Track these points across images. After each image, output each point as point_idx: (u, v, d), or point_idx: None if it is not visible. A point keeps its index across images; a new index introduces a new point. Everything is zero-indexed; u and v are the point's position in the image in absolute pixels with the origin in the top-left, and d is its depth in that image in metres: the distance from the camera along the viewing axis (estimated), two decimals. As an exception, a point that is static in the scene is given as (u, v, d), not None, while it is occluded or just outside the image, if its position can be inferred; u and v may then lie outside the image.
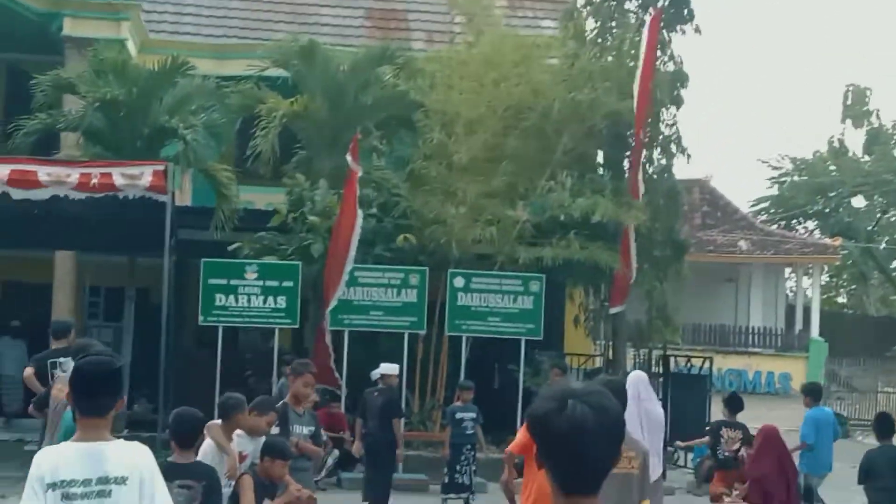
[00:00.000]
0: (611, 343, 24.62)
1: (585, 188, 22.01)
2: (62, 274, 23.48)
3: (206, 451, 9.47)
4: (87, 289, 25.33)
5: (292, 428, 11.67)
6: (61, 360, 14.41)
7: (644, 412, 12.78)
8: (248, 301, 20.75)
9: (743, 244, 46.75)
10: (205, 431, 9.30)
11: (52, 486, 5.70)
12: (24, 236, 21.32)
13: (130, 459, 5.87)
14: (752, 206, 59.91)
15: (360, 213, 20.26)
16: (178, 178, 21.85)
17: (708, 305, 45.86)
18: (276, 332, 21.07)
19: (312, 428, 12.06)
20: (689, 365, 25.85)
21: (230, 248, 21.21)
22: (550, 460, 3.63)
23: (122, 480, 5.81)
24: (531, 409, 3.68)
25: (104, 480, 5.78)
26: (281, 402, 11.75)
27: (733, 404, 17.30)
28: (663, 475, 14.43)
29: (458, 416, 17.34)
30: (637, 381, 13.13)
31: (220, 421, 9.95)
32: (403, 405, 18.92)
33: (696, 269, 43.65)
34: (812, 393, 17.87)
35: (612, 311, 23.07)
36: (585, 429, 3.56)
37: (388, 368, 18.65)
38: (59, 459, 5.78)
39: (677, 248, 24.48)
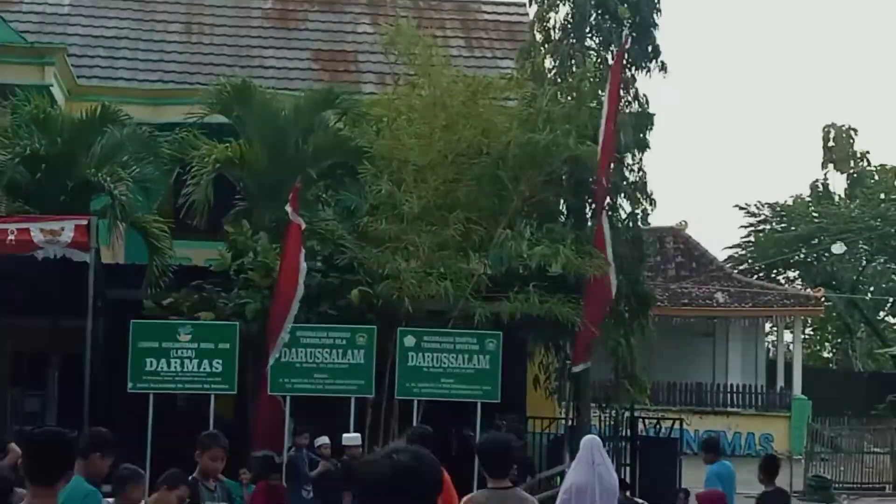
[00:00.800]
0: (575, 405, 24.30)
1: (545, 238, 21.81)
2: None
3: None
4: (11, 355, 24.90)
5: None
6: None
7: (597, 477, 12.93)
8: (182, 365, 20.37)
9: (720, 296, 46.64)
10: None
11: None
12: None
13: None
14: (729, 251, 59.94)
15: (303, 267, 19.98)
16: (106, 235, 21.59)
17: (684, 362, 45.74)
18: (212, 398, 20.65)
19: None
20: (657, 427, 25.61)
21: (164, 301, 20.82)
22: None
23: None
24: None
25: None
26: (191, 477, 11.42)
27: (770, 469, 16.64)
28: None
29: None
30: (590, 445, 13.30)
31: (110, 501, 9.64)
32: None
33: (671, 323, 43.84)
34: (711, 448, 18.18)
35: (575, 369, 22.79)
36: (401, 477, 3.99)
37: (350, 439, 18.41)
38: None
39: (642, 300, 24.28)
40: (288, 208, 19.61)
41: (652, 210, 24.87)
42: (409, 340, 21.12)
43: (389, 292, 20.76)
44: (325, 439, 19.02)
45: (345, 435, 18.60)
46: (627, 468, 24.65)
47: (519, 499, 9.21)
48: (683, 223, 49.97)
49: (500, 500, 9.01)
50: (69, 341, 20.61)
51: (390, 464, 4.04)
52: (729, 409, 45.83)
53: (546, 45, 24.92)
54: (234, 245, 21.94)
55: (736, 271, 53.61)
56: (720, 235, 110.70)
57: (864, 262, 62.23)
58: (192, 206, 21.93)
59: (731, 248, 61.32)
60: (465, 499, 9.46)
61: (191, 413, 23.92)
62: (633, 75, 24.26)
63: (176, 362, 20.36)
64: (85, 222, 17.63)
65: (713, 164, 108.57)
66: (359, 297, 20.84)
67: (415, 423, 20.97)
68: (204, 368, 20.40)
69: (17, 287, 19.48)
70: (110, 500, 9.35)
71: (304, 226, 20.01)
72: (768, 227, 62.36)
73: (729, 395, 46.40)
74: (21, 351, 24.83)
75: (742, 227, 62.69)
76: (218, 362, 20.39)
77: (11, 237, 17.35)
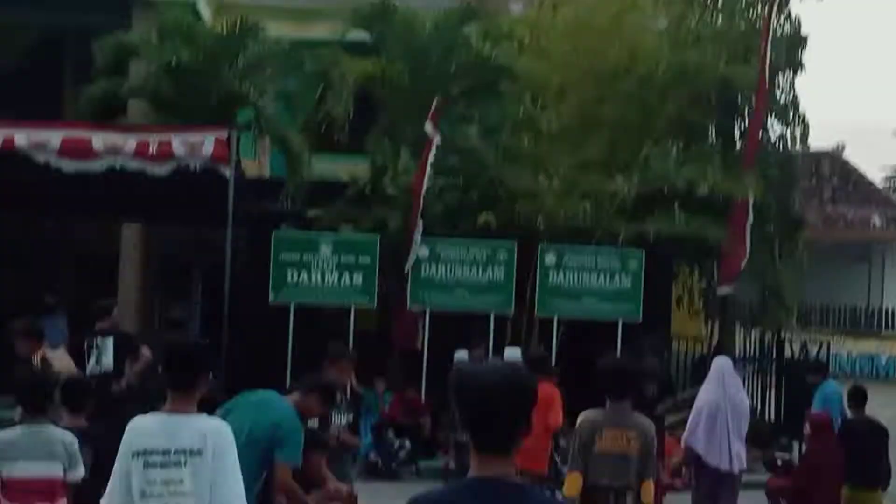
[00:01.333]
0: (719, 325, 23.85)
1: (691, 158, 21.35)
2: (129, 248, 23.39)
3: None
4: (157, 263, 25.21)
5: (331, 418, 11.29)
6: (98, 339, 14.28)
7: (728, 399, 13.09)
8: (323, 277, 20.41)
9: (877, 220, 45.47)
10: None
11: (136, 454, 6.58)
12: (91, 207, 21.23)
13: (207, 434, 6.61)
14: (889, 178, 58.26)
15: (428, 172, 19.90)
16: (250, 148, 21.63)
17: (838, 286, 44.75)
18: (353, 311, 20.67)
19: (350, 416, 11.76)
20: (804, 350, 25.02)
21: (309, 214, 20.84)
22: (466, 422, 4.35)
23: (197, 453, 6.56)
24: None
25: (181, 452, 6.56)
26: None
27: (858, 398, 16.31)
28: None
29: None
30: (722, 366, 13.42)
31: None
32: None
33: (826, 247, 42.85)
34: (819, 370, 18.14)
35: (720, 292, 22.32)
36: (494, 393, 4.27)
37: (512, 354, 18.16)
38: (144, 429, 6.66)
39: (793, 223, 23.67)
40: (428, 124, 19.43)
41: (805, 132, 24.20)
42: (550, 258, 20.89)
43: (528, 211, 20.48)
44: (516, 353, 18.60)
45: (508, 349, 18.48)
46: (772, 390, 24.16)
47: (634, 418, 9.34)
48: (840, 146, 48.74)
49: (614, 419, 9.23)
50: (212, 252, 20.72)
51: (493, 377, 4.34)
52: (883, 332, 44.81)
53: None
54: (374, 162, 21.85)
55: (894, 195, 52.17)
56: (879, 159, 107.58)
57: None
58: (334, 121, 21.84)
59: (890, 175, 59.58)
60: (581, 415, 9.56)
61: (333, 326, 24.09)
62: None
63: (317, 274, 20.41)
64: (225, 135, 17.52)
65: (872, 88, 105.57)
66: (493, 220, 20.57)
67: (554, 342, 20.83)
68: (345, 281, 20.42)
69: (164, 197, 19.58)
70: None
71: (438, 141, 19.82)
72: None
73: (884, 318, 45.36)
74: (167, 260, 25.14)
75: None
76: (358, 275, 20.40)
77: (153, 149, 17.32)
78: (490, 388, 4.27)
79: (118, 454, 6.64)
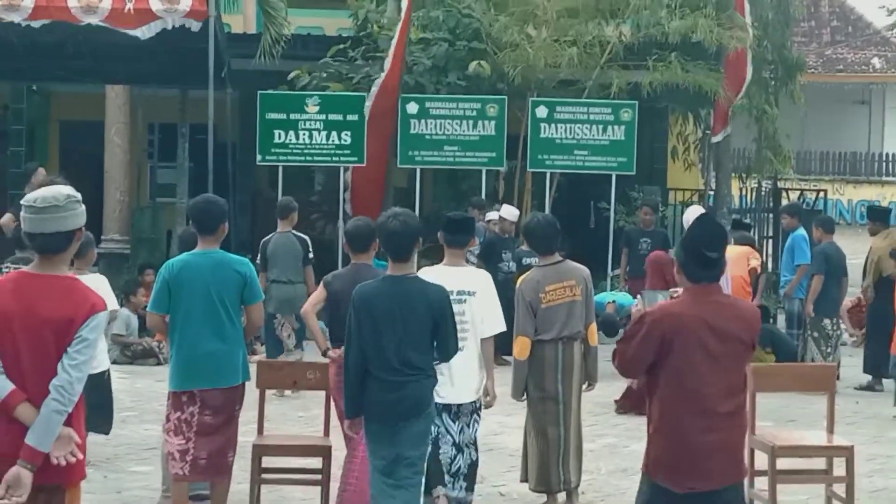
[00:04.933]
0: (715, 175, 23.50)
1: (685, 3, 20.77)
2: (114, 110, 22.98)
3: None
4: (143, 126, 24.86)
5: None
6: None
7: None
8: (310, 137, 20.01)
9: (876, 62, 44.86)
10: None
11: None
12: (70, 70, 20.82)
13: None
14: (890, 18, 57.15)
15: (410, 26, 19.48)
16: (232, 3, 21.10)
17: (837, 131, 44.35)
18: (341, 170, 20.33)
19: None
20: (801, 198, 24.72)
21: (290, 75, 20.35)
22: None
23: None
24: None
25: None
26: None
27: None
28: None
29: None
30: (694, 214, 13.42)
31: None
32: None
33: (825, 90, 42.37)
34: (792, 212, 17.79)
35: (714, 139, 21.93)
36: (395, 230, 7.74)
37: (509, 213, 17.87)
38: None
39: (789, 67, 23.17)
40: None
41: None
42: (542, 111, 20.43)
43: (517, 61, 19.98)
44: (513, 212, 18.31)
45: (504, 206, 18.18)
46: (769, 241, 23.90)
47: (570, 268, 9.65)
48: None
49: (553, 273, 9.54)
50: (198, 112, 20.31)
51: (397, 224, 7.79)
52: (884, 178, 44.47)
53: None
54: (356, 17, 21.31)
55: (894, 37, 51.34)
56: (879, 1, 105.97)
57: None
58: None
59: (890, 13, 58.49)
60: (519, 280, 9.87)
61: (326, 187, 23.79)
62: None
63: (304, 134, 20.00)
64: (203, -11, 17.02)
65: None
66: (487, 67, 20.11)
67: (548, 196, 20.51)
68: (332, 140, 20.01)
69: (145, 57, 19.12)
70: None
71: None
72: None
73: (884, 163, 44.99)
74: (152, 122, 24.77)
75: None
76: (346, 134, 19.97)
77: (129, 5, 16.78)
78: (394, 230, 7.73)
79: None
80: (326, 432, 9.36)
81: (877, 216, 17.12)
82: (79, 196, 5.78)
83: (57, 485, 5.63)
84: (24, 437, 5.45)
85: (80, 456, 5.66)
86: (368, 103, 19.46)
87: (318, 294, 9.30)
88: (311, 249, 15.47)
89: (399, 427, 7.54)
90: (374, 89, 19.43)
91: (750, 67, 20.86)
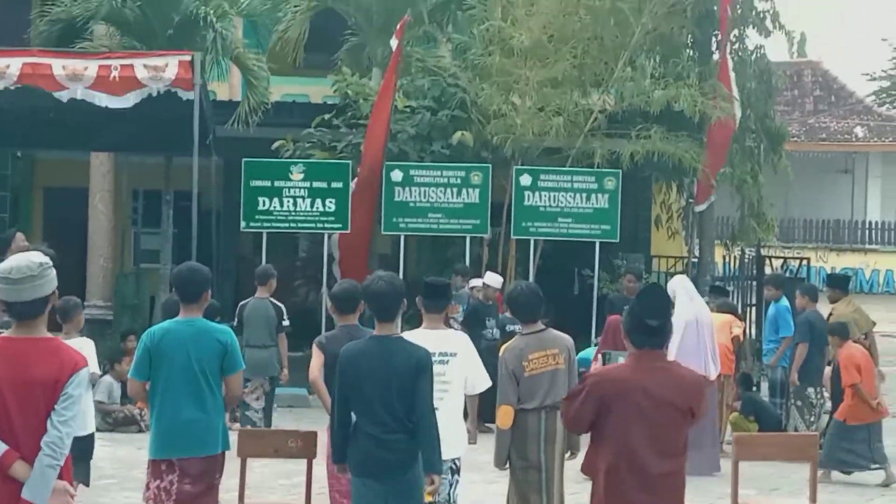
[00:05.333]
0: (698, 243, 23.58)
1: (668, 73, 20.94)
2: (98, 177, 23.03)
3: None
4: (128, 193, 24.88)
5: None
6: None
7: (697, 313, 14.34)
8: (295, 204, 20.08)
9: (859, 131, 45.17)
10: None
11: None
12: (55, 137, 20.90)
13: None
14: (873, 84, 57.55)
15: (396, 93, 19.64)
16: (217, 71, 21.21)
17: (820, 199, 44.60)
18: (326, 237, 20.40)
19: None
20: (784, 266, 24.79)
21: (273, 146, 20.41)
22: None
23: None
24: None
25: None
26: None
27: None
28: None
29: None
30: (683, 284, 14.82)
31: None
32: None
33: (808, 159, 42.66)
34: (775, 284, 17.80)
35: (698, 208, 22.06)
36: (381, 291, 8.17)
37: (493, 280, 17.92)
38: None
39: (772, 136, 23.31)
40: (393, 40, 18.97)
41: (789, 41, 23.86)
42: (525, 179, 20.51)
43: (502, 130, 20.08)
44: (497, 279, 18.41)
45: (488, 274, 18.25)
46: (753, 308, 23.94)
47: (553, 337, 9.62)
48: (820, 58, 48.30)
49: (536, 342, 9.50)
50: (182, 179, 20.35)
51: (383, 284, 8.21)
52: (867, 246, 44.65)
53: None
54: (340, 88, 21.43)
55: (876, 104, 51.67)
56: (861, 70, 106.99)
57: None
58: (295, 42, 21.44)
59: (874, 79, 58.99)
60: (503, 348, 9.84)
61: (310, 254, 23.84)
62: None
63: (289, 201, 20.07)
64: (189, 58, 17.12)
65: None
66: (470, 137, 20.22)
67: (531, 264, 20.55)
68: (317, 207, 20.08)
69: (130, 124, 19.20)
70: None
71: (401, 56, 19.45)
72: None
73: (867, 231, 45.20)
74: (137, 188, 24.80)
75: (888, 60, 60.24)
76: (331, 201, 20.04)
77: (115, 73, 16.90)
78: (380, 290, 8.17)
79: None
80: (308, 500, 9.32)
81: (836, 283, 17.15)
82: (49, 262, 6.08)
83: None
84: (20, 493, 5.79)
85: None
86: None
87: (318, 358, 9.33)
88: (285, 317, 15.83)
89: (391, 481, 7.87)
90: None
91: (737, 122, 21.05)
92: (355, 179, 19.59)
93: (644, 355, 6.80)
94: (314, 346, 9.42)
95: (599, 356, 14.93)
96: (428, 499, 8.22)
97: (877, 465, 14.43)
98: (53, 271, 6.10)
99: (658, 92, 20.29)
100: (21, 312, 6.00)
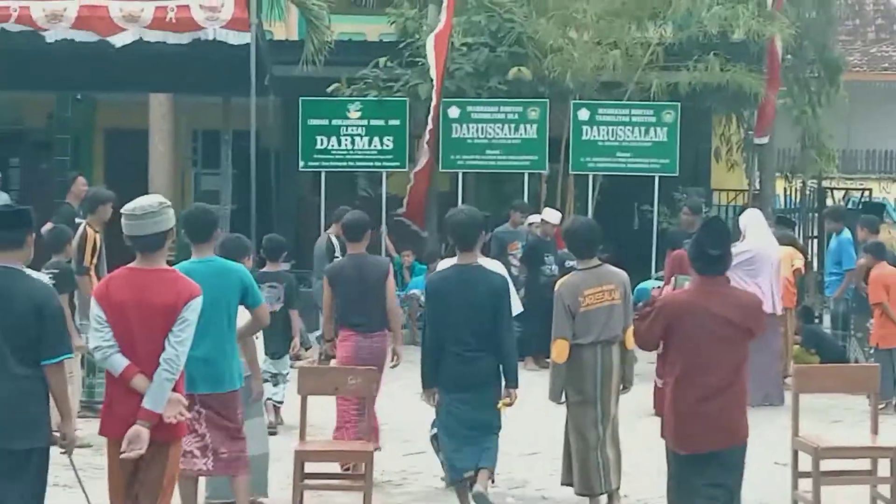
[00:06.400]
0: (759, 176, 23.39)
1: (725, 1, 20.66)
2: (157, 118, 23.11)
3: None
4: (187, 134, 24.93)
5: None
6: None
7: (764, 247, 14.40)
8: (352, 142, 20.09)
9: (923, 59, 44.42)
10: None
11: None
12: (113, 78, 20.96)
13: None
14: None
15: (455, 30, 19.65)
16: (275, 11, 21.15)
17: (884, 129, 43.94)
18: (384, 175, 20.43)
19: None
20: (846, 197, 24.57)
21: (328, 89, 20.34)
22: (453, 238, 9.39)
23: None
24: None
25: None
26: None
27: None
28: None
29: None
30: (757, 216, 15.03)
31: None
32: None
33: (871, 89, 41.89)
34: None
35: (757, 141, 21.87)
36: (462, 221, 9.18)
37: (551, 216, 17.78)
38: None
39: (831, 67, 23.03)
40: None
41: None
42: (583, 114, 20.43)
43: (559, 65, 19.93)
44: (556, 215, 18.27)
45: (547, 210, 18.16)
46: (814, 240, 23.75)
47: (610, 272, 9.66)
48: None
49: (592, 277, 9.55)
50: (241, 119, 20.41)
51: (463, 216, 9.26)
52: (931, 175, 44.02)
53: None
54: (396, 24, 21.33)
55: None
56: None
57: None
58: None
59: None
60: (558, 283, 9.87)
61: (368, 192, 23.83)
62: None
63: (346, 140, 20.09)
64: (244, -3, 17.18)
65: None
66: (527, 72, 20.08)
67: (590, 200, 20.49)
68: (375, 146, 20.10)
69: (188, 64, 19.24)
70: None
71: None
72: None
73: (932, 161, 44.56)
74: (196, 129, 24.85)
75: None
76: (389, 139, 20.08)
77: (171, 14, 17.00)
78: (461, 221, 9.15)
79: None
80: (368, 437, 9.37)
81: (870, 211, 17.16)
82: (169, 203, 7.00)
83: (163, 441, 6.79)
84: (140, 403, 6.63)
85: (189, 415, 7.11)
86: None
87: (328, 288, 10.57)
88: None
89: (476, 394, 8.99)
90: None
91: (780, 58, 20.84)
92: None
93: (707, 281, 7.65)
94: (324, 277, 10.63)
95: (672, 279, 14.93)
96: (504, 409, 9.17)
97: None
98: (171, 210, 6.96)
99: (714, 8, 19.99)
100: (143, 245, 6.87)
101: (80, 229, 12.50)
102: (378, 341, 10.50)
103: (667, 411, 7.71)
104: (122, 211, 6.94)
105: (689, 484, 7.63)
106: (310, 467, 9.27)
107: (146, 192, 22.83)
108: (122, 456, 6.64)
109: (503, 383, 9.09)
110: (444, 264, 9.93)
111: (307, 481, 9.19)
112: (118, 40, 17.24)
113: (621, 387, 9.63)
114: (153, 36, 17.13)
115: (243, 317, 8.67)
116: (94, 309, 6.85)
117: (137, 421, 6.63)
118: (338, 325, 10.54)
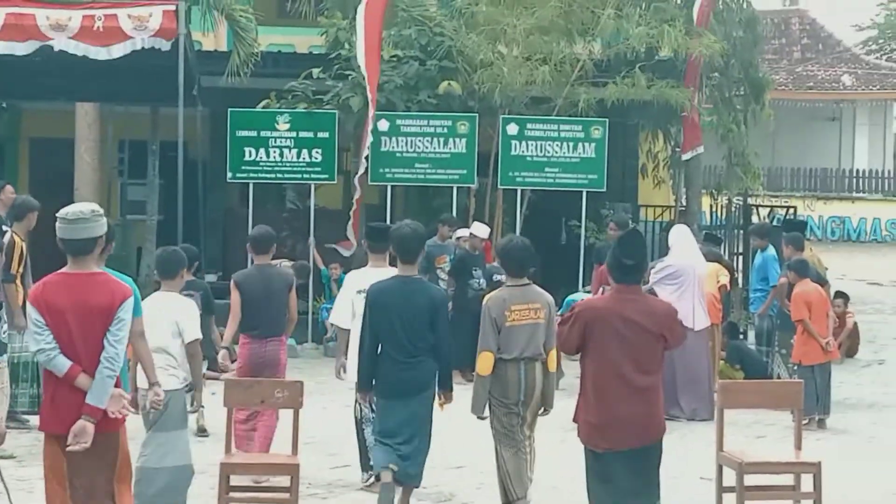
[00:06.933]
0: (686, 193, 23.58)
1: (653, 19, 20.80)
2: (84, 127, 22.93)
3: None
4: (114, 143, 24.70)
5: None
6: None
7: (688, 263, 14.74)
8: (281, 155, 20.04)
9: (846, 79, 45.09)
10: None
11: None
12: (41, 87, 20.82)
13: None
14: (861, 33, 57.16)
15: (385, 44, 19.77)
16: (203, 21, 21.04)
17: (808, 148, 44.60)
18: (312, 188, 20.38)
19: None
20: (770, 214, 24.80)
21: (258, 105, 20.26)
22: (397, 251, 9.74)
23: None
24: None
25: None
26: None
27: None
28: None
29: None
30: (684, 233, 15.52)
31: None
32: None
33: (796, 108, 42.61)
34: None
35: (684, 157, 22.06)
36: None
37: (479, 230, 17.80)
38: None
39: (757, 86, 23.28)
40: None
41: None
42: (512, 128, 20.50)
43: (489, 79, 19.99)
44: (484, 229, 18.27)
45: (475, 224, 18.17)
46: (739, 257, 23.96)
47: (536, 292, 9.88)
48: (806, 7, 48.07)
49: (520, 294, 9.78)
50: (168, 129, 20.28)
51: (408, 230, 9.66)
52: (854, 194, 44.63)
53: None
54: (328, 35, 21.28)
55: (864, 52, 51.43)
56: (849, 19, 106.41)
57: None
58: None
59: (861, 29, 58.62)
60: (486, 297, 10.09)
61: (296, 204, 23.77)
62: None
63: (275, 151, 20.03)
64: (173, 7, 17.03)
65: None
66: (457, 86, 20.13)
67: (518, 214, 20.55)
68: (303, 158, 20.06)
69: (116, 74, 19.09)
70: None
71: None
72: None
73: (855, 179, 45.18)
74: (123, 139, 24.64)
75: (876, 5, 59.66)
76: (317, 151, 20.04)
77: (99, 24, 16.84)
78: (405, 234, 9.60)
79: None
80: (294, 449, 9.34)
81: (793, 229, 17.33)
82: (100, 210, 7.37)
83: (111, 431, 7.21)
84: (84, 399, 7.00)
85: (132, 410, 7.75)
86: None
87: (235, 293, 10.93)
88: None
89: (413, 398, 9.42)
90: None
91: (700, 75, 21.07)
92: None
93: (622, 289, 8.13)
94: (231, 283, 11.04)
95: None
96: (441, 409, 9.66)
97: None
98: (104, 219, 7.36)
99: (640, 28, 20.12)
100: (75, 249, 7.18)
101: (7, 237, 12.35)
102: (272, 347, 11.01)
103: (583, 411, 8.07)
104: (57, 215, 7.25)
105: (606, 482, 7.97)
106: (235, 480, 9.23)
107: (71, 202, 22.77)
108: (69, 449, 6.98)
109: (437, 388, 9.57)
110: (360, 273, 10.64)
111: (232, 494, 9.14)
112: (45, 48, 17.05)
113: (541, 409, 9.81)
114: (80, 45, 16.93)
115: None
116: (32, 313, 7.18)
117: (82, 416, 6.99)
118: (239, 330, 11.04)
